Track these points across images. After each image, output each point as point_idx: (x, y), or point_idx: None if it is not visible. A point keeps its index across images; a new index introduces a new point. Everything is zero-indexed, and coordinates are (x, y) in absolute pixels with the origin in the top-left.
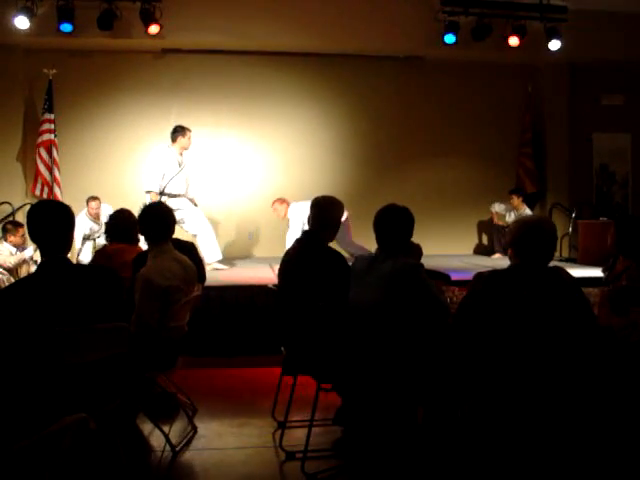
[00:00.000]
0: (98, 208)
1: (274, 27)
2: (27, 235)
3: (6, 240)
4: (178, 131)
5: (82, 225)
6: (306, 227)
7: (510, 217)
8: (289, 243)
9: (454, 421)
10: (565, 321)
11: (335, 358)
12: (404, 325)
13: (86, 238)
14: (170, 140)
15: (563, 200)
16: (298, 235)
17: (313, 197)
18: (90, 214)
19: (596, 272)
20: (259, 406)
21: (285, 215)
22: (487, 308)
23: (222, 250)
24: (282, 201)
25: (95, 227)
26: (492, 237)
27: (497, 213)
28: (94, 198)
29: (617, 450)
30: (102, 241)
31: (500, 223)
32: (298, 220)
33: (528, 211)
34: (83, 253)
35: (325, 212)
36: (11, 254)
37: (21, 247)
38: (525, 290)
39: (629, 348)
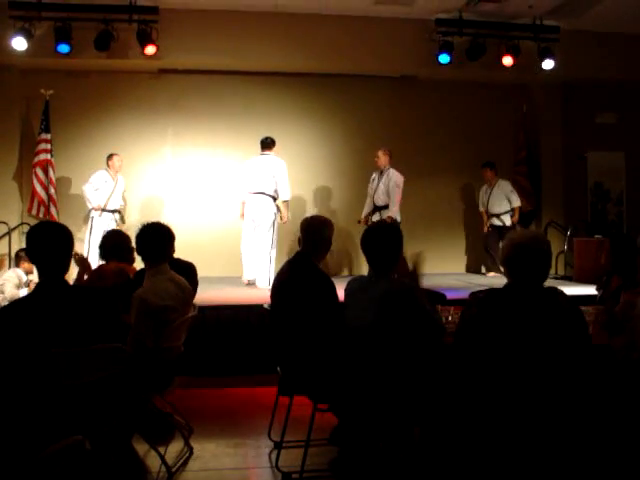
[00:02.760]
0: (121, 161)
1: (270, 47)
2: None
3: (18, 266)
4: (274, 142)
5: (97, 180)
6: None
7: (488, 193)
8: None
9: (450, 441)
10: (562, 344)
11: (331, 378)
12: (399, 345)
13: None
14: (268, 149)
15: (558, 218)
16: None
17: (309, 215)
18: (112, 168)
19: (591, 290)
20: (255, 426)
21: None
22: (483, 331)
23: (217, 269)
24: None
25: (111, 184)
26: (487, 247)
27: (483, 212)
28: (115, 154)
29: (617, 467)
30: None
31: (491, 224)
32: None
33: (504, 183)
34: (95, 227)
35: (315, 232)
36: (20, 281)
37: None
38: (520, 312)
39: (631, 366)
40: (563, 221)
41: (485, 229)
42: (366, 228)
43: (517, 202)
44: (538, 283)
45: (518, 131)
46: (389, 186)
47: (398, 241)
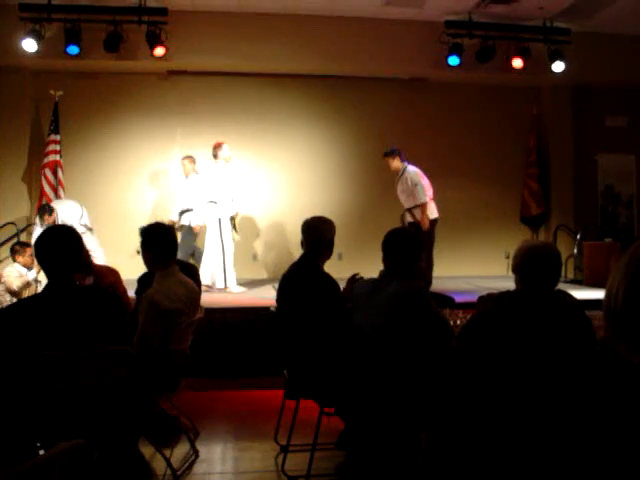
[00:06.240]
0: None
1: (279, 49)
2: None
3: (15, 261)
4: None
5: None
6: None
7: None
8: None
9: (457, 445)
10: (569, 346)
11: (338, 382)
12: (408, 348)
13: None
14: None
15: (568, 221)
16: None
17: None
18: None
19: (601, 294)
20: (261, 430)
21: None
22: (493, 329)
23: None
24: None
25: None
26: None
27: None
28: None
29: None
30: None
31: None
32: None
33: (408, 174)
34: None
35: (316, 233)
36: (20, 275)
37: (30, 267)
38: (533, 312)
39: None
40: (573, 224)
41: (401, 223)
42: (389, 231)
43: (421, 198)
44: (549, 289)
45: (528, 134)
46: (190, 192)
47: (417, 248)
